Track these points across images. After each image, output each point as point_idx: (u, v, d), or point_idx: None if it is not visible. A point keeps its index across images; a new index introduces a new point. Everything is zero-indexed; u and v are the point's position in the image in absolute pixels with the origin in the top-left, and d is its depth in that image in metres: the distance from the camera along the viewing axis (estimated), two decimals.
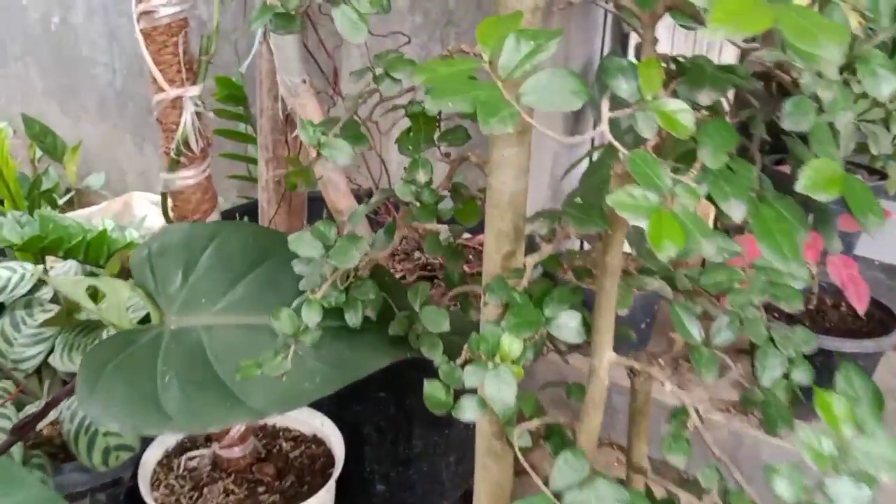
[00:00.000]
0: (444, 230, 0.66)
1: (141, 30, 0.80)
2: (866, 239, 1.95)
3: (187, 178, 0.85)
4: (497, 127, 0.43)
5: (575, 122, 1.55)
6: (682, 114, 0.43)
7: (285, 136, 1.24)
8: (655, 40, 0.48)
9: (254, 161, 1.46)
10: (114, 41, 2.03)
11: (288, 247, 0.65)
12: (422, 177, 0.61)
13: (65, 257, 1.41)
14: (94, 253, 1.42)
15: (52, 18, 2.17)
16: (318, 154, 0.60)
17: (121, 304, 0.86)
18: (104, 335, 1.09)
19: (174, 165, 0.85)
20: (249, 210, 1.42)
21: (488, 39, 0.47)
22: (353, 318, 0.65)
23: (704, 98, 0.48)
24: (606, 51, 1.56)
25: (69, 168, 2.06)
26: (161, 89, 0.82)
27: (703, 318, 0.57)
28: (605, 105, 0.45)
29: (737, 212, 0.44)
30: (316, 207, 1.29)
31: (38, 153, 2.07)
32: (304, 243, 0.64)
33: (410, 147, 0.63)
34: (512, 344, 0.52)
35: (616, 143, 0.43)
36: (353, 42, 0.53)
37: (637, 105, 0.44)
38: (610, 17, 1.49)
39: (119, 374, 0.68)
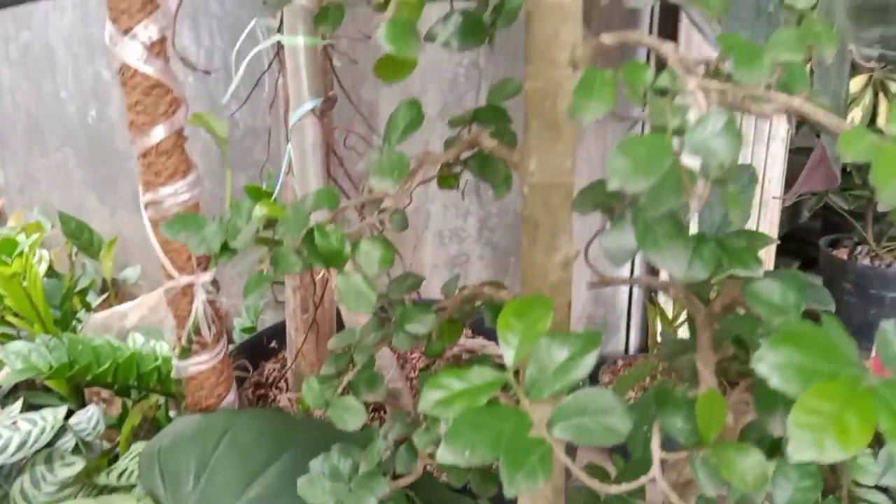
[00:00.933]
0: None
1: (149, 219, 0.76)
2: None
3: (200, 363, 0.81)
4: (524, 485, 0.36)
5: None
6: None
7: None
8: None
9: (280, 283, 1.42)
10: None
11: (307, 434, 0.59)
12: None
13: (93, 382, 1.38)
14: (124, 375, 1.39)
15: (89, 112, 2.20)
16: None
17: None
18: None
19: (185, 353, 0.80)
20: (277, 333, 1.38)
21: (513, 337, 0.41)
22: None
23: None
24: None
25: (105, 263, 2.06)
26: (171, 277, 0.78)
27: None
28: (654, 445, 0.38)
29: None
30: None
31: (74, 248, 2.07)
32: (315, 490, 0.58)
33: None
34: None
35: None
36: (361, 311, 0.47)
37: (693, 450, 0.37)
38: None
39: None
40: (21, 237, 1.72)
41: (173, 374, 0.83)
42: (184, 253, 0.77)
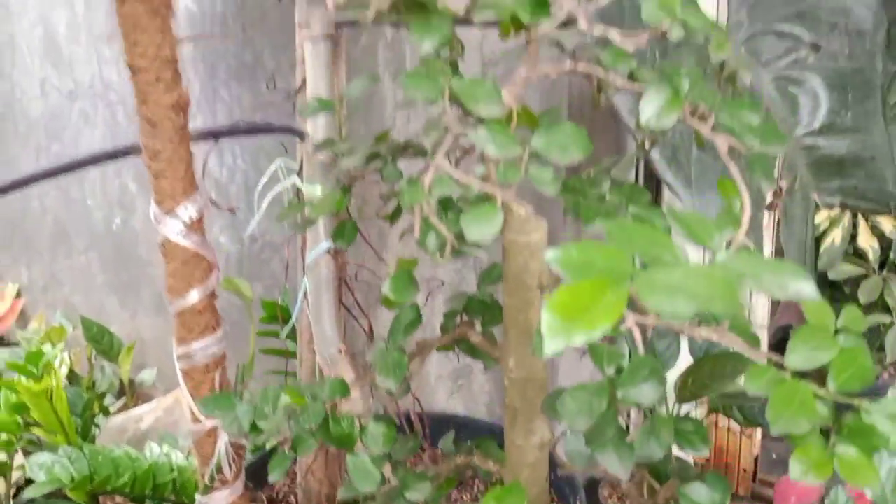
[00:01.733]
0: None
1: (180, 369, 0.86)
2: None
3: (220, 499, 0.89)
4: None
5: None
6: None
7: None
8: None
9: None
10: None
11: None
12: None
13: (112, 492, 1.46)
14: (141, 486, 1.47)
15: (114, 219, 2.34)
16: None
17: None
18: None
19: (207, 490, 0.89)
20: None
21: None
22: None
23: None
24: None
25: (123, 366, 2.15)
26: (197, 420, 0.88)
27: None
28: None
29: None
30: None
31: (93, 351, 2.17)
32: None
33: None
34: None
35: None
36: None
37: None
38: None
39: None
40: (47, 347, 1.83)
41: None
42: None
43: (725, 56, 0.53)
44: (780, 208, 1.08)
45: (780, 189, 1.08)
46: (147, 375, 2.22)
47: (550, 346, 0.31)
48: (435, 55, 0.45)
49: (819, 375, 0.49)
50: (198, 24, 1.89)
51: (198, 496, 0.90)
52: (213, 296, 0.86)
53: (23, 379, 1.71)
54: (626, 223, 0.39)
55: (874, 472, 0.43)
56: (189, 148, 0.81)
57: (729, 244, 0.52)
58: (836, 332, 0.50)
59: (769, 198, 1.11)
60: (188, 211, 0.81)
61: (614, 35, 0.46)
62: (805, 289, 0.35)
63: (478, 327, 0.62)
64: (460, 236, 0.44)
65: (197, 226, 0.83)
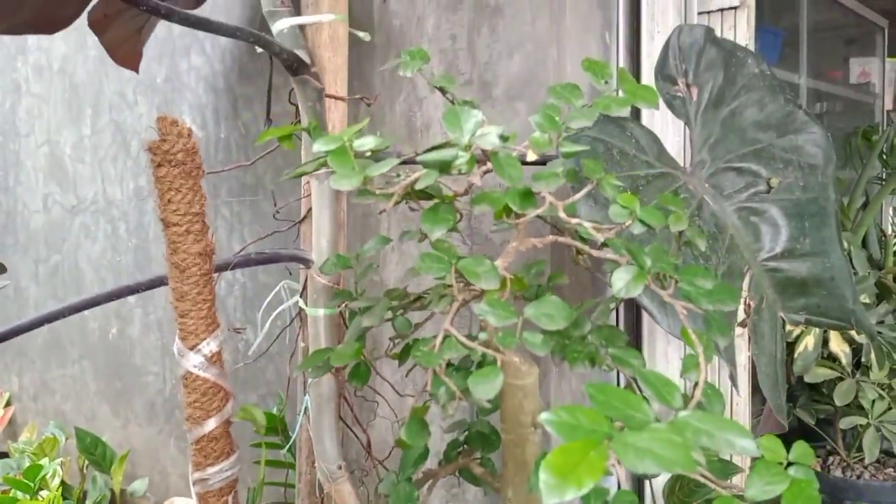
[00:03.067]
0: None
1: (196, 493, 0.93)
2: None
3: None
4: None
5: None
6: None
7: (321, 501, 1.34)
8: None
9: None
10: (166, 354, 2.22)
11: None
12: None
13: None
14: None
15: (110, 329, 2.40)
16: None
17: None
18: None
19: None
20: None
21: None
22: None
23: None
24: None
25: (115, 477, 2.17)
26: None
27: None
28: None
29: None
30: None
31: (85, 461, 2.19)
32: None
33: None
34: None
35: None
36: None
37: None
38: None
39: None
40: (44, 461, 1.86)
41: None
42: None
43: (683, 227, 0.65)
44: (750, 326, 1.19)
45: (749, 307, 1.19)
46: (138, 485, 2.24)
47: (549, 501, 0.40)
48: (442, 239, 0.56)
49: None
50: (202, 149, 2.03)
51: None
52: (228, 422, 0.94)
53: (19, 494, 1.73)
54: (606, 387, 0.48)
55: None
56: (212, 290, 0.91)
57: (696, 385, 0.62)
58: (789, 464, 0.60)
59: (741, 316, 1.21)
60: (209, 346, 0.90)
61: (587, 227, 0.57)
62: (748, 446, 0.45)
63: (477, 459, 0.70)
64: (465, 390, 0.53)
65: (216, 359, 0.91)
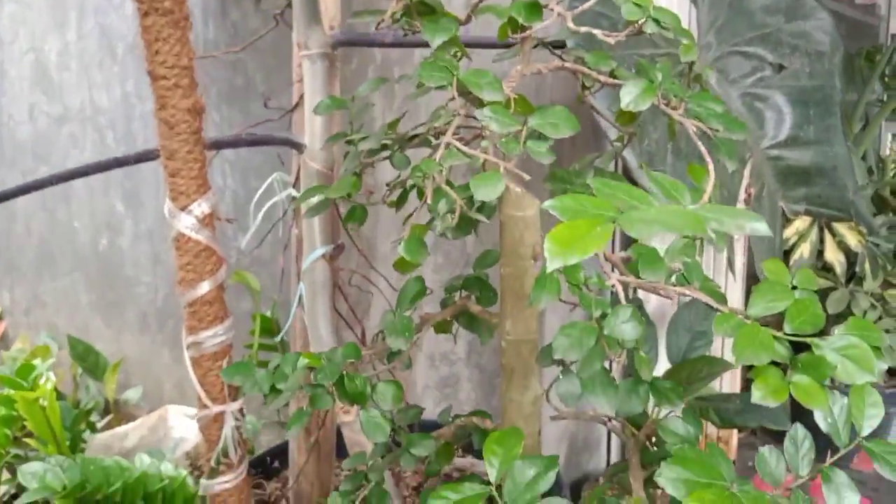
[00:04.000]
0: None
1: (190, 357, 0.92)
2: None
3: (225, 482, 0.95)
4: None
5: None
6: None
7: None
8: None
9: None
10: (157, 264, 2.21)
11: None
12: None
13: (102, 501, 1.49)
14: (132, 495, 1.51)
15: (100, 240, 2.38)
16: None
17: None
18: None
19: (213, 473, 0.94)
20: (280, 453, 1.51)
21: (495, 459, 0.56)
22: None
23: None
24: None
25: (108, 385, 2.18)
26: (205, 406, 0.94)
27: None
28: None
29: None
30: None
31: (79, 369, 2.20)
32: None
33: None
34: None
35: None
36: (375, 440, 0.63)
37: None
38: None
39: None
40: (37, 362, 1.86)
41: (200, 492, 0.96)
42: (217, 385, 0.93)
43: (693, 58, 0.62)
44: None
45: (750, 195, 1.18)
46: (132, 394, 2.25)
47: (551, 265, 0.39)
48: (443, 51, 0.54)
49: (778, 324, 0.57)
50: None
51: (203, 480, 0.95)
52: (221, 288, 0.93)
53: (12, 392, 1.74)
54: (610, 182, 0.46)
55: (824, 396, 0.50)
56: (203, 149, 0.89)
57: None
58: (793, 287, 0.59)
59: (741, 204, 1.20)
60: (201, 207, 0.88)
61: (598, 33, 0.55)
62: (759, 227, 0.43)
63: (474, 302, 0.69)
64: (468, 202, 0.52)
65: (208, 221, 0.90)
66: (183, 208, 0.89)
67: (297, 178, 1.31)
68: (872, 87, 2.51)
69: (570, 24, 0.54)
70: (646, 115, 0.66)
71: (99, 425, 2.03)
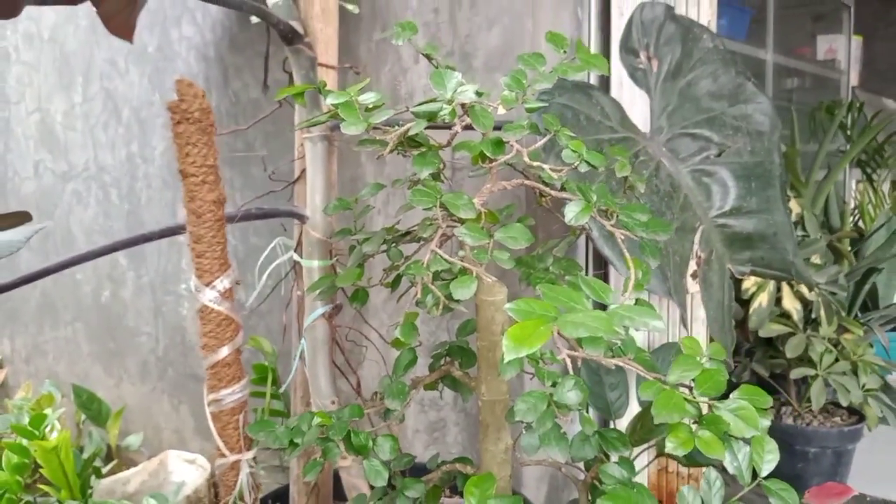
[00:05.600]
0: None
1: (210, 412, 1.08)
2: (857, 473, 2.14)
3: None
4: None
5: None
6: None
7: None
8: None
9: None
10: (159, 315, 2.36)
11: None
12: None
13: None
14: None
15: (103, 292, 2.53)
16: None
17: None
18: None
19: None
20: (281, 496, 1.65)
21: (473, 499, 0.72)
22: None
23: None
24: None
25: (111, 431, 2.31)
26: (223, 455, 1.09)
27: None
28: None
29: None
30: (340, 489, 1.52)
31: (83, 416, 2.33)
32: None
33: None
34: None
35: None
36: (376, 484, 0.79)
37: None
38: None
39: None
40: (49, 411, 2.00)
41: None
42: (234, 437, 1.08)
43: (627, 174, 0.80)
44: (700, 276, 1.35)
45: (700, 258, 1.35)
46: (133, 440, 2.38)
47: (509, 356, 0.56)
48: (429, 178, 0.71)
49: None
50: None
51: None
52: (238, 351, 1.09)
53: (25, 441, 1.87)
54: (555, 287, 0.63)
55: (721, 448, 0.67)
56: (224, 234, 1.06)
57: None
58: (706, 359, 0.76)
59: (692, 268, 1.38)
60: (223, 283, 1.05)
61: (546, 168, 0.73)
62: (657, 325, 0.61)
63: (457, 367, 0.85)
64: (448, 297, 0.68)
65: (229, 294, 1.06)
66: (207, 284, 1.05)
67: (299, 243, 1.48)
68: (832, 136, 2.72)
69: (526, 159, 0.72)
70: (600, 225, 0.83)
71: (104, 471, 2.17)
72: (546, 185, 0.78)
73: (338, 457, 0.78)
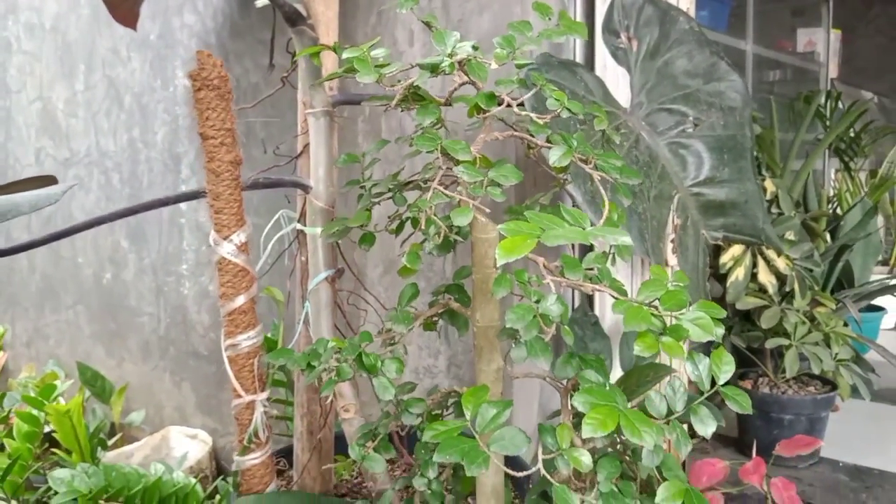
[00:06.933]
0: None
1: (227, 356, 1.20)
2: (831, 442, 2.27)
3: (255, 458, 1.21)
4: (474, 469, 0.79)
5: None
6: (584, 458, 0.80)
7: (319, 396, 1.62)
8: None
9: (290, 418, 1.83)
10: (160, 295, 2.47)
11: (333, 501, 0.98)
12: None
13: (125, 503, 1.74)
14: (149, 498, 1.76)
15: (104, 274, 2.64)
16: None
17: None
18: None
19: (245, 451, 1.21)
20: (285, 453, 1.77)
21: (469, 405, 0.84)
22: None
23: None
24: None
25: (115, 408, 2.42)
26: (239, 395, 1.21)
27: None
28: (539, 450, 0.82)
29: None
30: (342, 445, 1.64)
31: (87, 393, 2.44)
32: None
33: None
34: None
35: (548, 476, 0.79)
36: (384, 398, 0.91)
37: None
38: None
39: None
40: (58, 382, 2.11)
41: (234, 467, 1.22)
42: (249, 379, 1.20)
43: (604, 128, 0.93)
44: (676, 241, 1.48)
45: (676, 224, 1.48)
46: (136, 417, 2.49)
47: (500, 261, 0.68)
48: (431, 127, 0.83)
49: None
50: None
51: (236, 456, 1.22)
52: (254, 301, 1.20)
53: (34, 411, 1.98)
54: (539, 213, 0.76)
55: (681, 350, 0.80)
56: (241, 193, 1.18)
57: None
58: (670, 283, 0.88)
59: (671, 233, 1.51)
60: (239, 237, 1.17)
61: (533, 116, 0.85)
62: (625, 240, 0.73)
63: (454, 301, 0.98)
64: (449, 228, 0.81)
65: (244, 248, 1.18)
66: (225, 238, 1.17)
67: (303, 214, 1.59)
68: (808, 123, 2.87)
69: (515, 109, 0.84)
70: (579, 169, 0.95)
71: (109, 443, 2.27)
72: (533, 136, 0.90)
73: (349, 375, 0.90)
